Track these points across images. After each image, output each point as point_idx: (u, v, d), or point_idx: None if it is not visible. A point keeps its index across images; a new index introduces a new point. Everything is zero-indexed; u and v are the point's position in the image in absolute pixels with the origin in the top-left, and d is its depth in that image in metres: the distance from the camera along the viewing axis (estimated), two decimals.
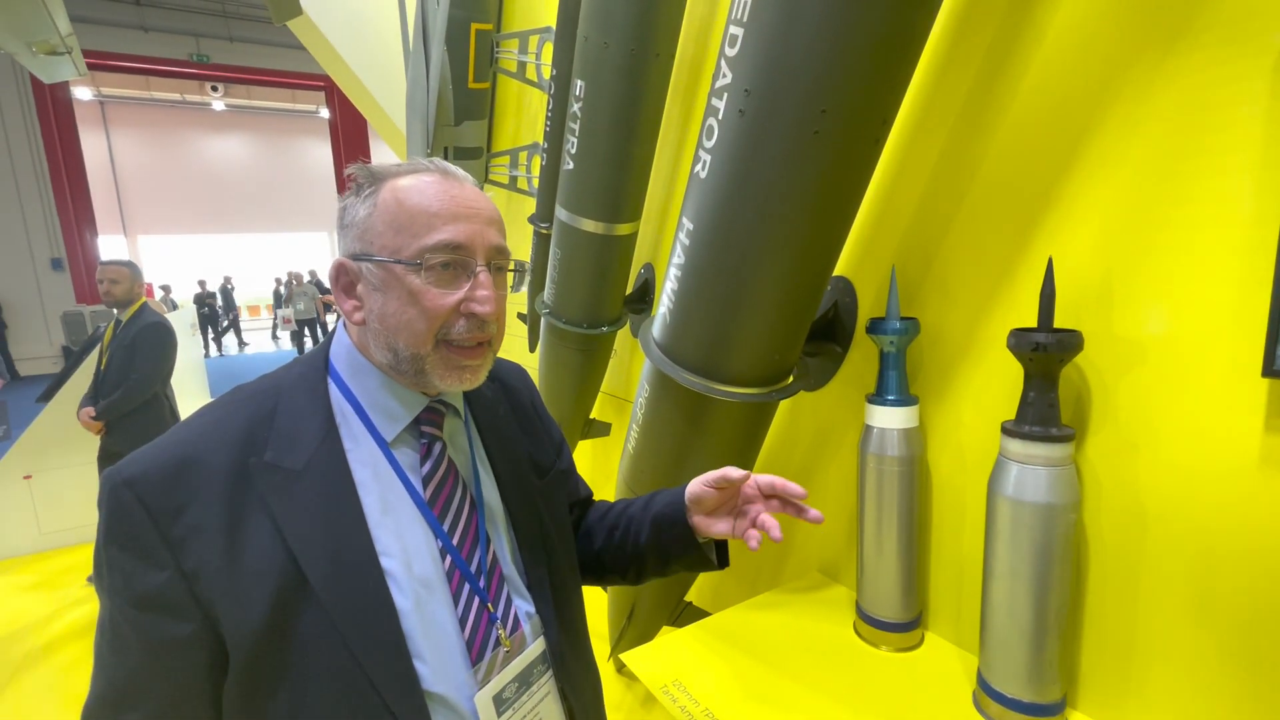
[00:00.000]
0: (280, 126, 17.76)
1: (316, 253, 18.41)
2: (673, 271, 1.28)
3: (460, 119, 2.95)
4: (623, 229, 1.99)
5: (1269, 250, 0.83)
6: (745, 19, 1.00)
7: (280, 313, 13.39)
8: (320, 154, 17.54)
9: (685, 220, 1.22)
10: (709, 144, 1.12)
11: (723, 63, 1.07)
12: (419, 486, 0.72)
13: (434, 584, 0.69)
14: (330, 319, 12.89)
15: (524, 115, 3.33)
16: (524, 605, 0.76)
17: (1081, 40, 1.03)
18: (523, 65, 2.97)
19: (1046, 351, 1.02)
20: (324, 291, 12.26)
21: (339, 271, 0.72)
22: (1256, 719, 0.91)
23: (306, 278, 12.88)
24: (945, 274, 1.27)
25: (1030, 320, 1.08)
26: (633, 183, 1.93)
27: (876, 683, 1.24)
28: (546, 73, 2.81)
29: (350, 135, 14.44)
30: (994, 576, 1.12)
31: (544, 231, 2.52)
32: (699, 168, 1.16)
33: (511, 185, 3.23)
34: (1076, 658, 1.13)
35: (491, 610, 0.71)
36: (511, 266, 0.76)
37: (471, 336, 0.71)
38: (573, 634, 0.81)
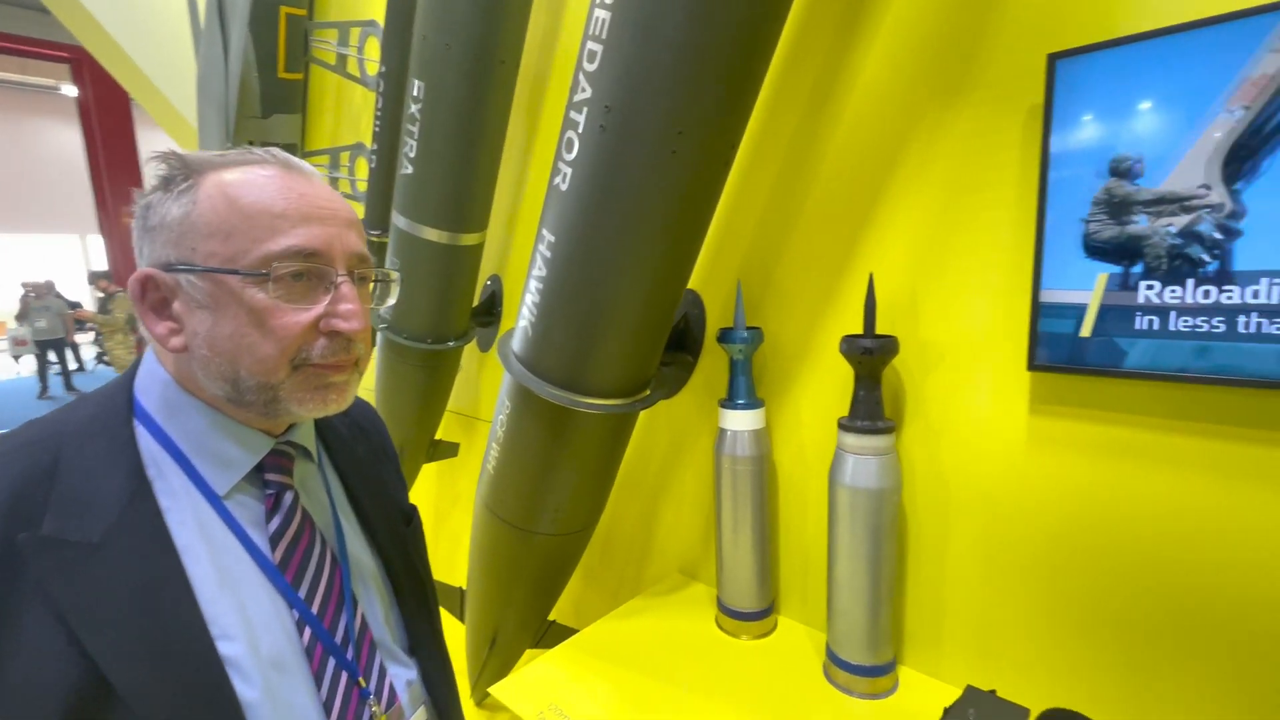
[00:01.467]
0: (8, 104, 14.36)
1: (64, 259, 15.13)
2: (533, 284, 1.25)
3: (269, 111, 2.63)
4: (469, 239, 1.91)
5: (1026, 268, 1.03)
6: (605, 36, 1.02)
7: (12, 331, 10.62)
8: (66, 139, 14.44)
9: (545, 232, 1.20)
10: (569, 157, 1.12)
11: (581, 76, 1.08)
12: (265, 547, 0.60)
13: (289, 664, 0.58)
14: (85, 338, 10.63)
15: (344, 112, 3.05)
16: (402, 672, 0.68)
17: (885, 90, 1.20)
18: (343, 58, 2.73)
19: (873, 355, 1.16)
20: (72, 306, 10.01)
21: (145, 286, 0.58)
22: (1037, 647, 1.11)
23: (54, 289, 10.38)
24: (783, 287, 1.40)
25: (854, 327, 1.23)
26: (479, 191, 1.86)
27: (740, 670, 1.32)
28: (371, 69, 2.61)
29: (107, 118, 11.99)
30: (838, 558, 1.24)
31: (374, 239, 2.33)
32: (559, 180, 1.15)
33: (332, 187, 2.94)
34: (902, 620, 1.29)
35: (363, 685, 0.62)
36: (375, 276, 0.67)
37: (336, 358, 0.61)
38: (454, 692, 0.75)
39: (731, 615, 1.45)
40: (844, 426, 1.21)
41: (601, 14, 1.03)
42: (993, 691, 0.99)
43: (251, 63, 2.45)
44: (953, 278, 1.15)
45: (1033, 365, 1.03)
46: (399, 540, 0.73)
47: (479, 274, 2.08)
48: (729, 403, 1.41)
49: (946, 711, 0.95)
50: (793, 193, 1.35)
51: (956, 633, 1.22)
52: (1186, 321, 0.89)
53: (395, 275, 0.68)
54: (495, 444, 1.47)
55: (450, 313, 2.01)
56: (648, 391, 1.40)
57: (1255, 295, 0.83)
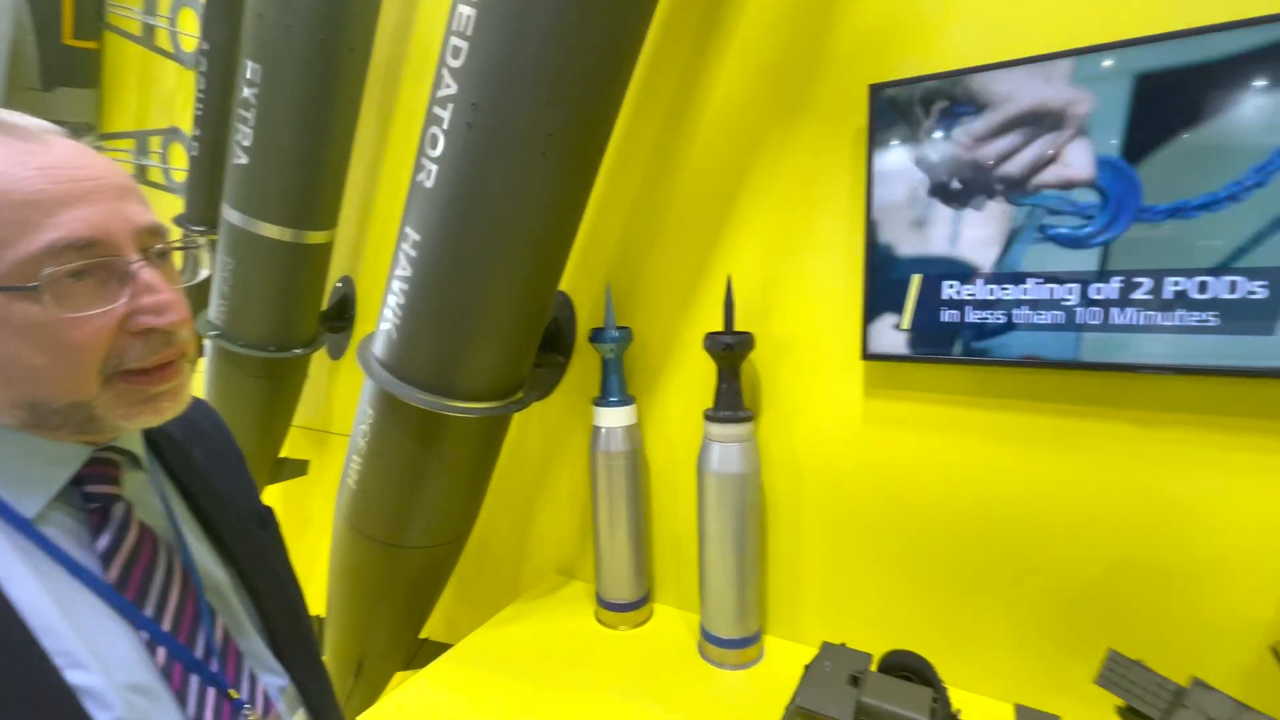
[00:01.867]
0: None
1: None
2: (397, 285, 1.19)
3: (51, 83, 2.23)
4: (316, 237, 1.76)
5: (858, 269, 1.18)
6: (470, 33, 1.01)
7: None
8: None
9: (410, 231, 1.15)
10: (434, 153, 1.09)
11: (445, 72, 1.06)
12: (96, 568, 0.53)
13: (147, 687, 0.51)
14: None
15: (153, 91, 2.67)
16: (274, 680, 0.63)
17: (736, 105, 1.31)
18: (150, 29, 2.39)
19: (733, 350, 1.26)
20: None
21: None
22: (879, 600, 1.27)
23: None
24: (650, 288, 1.46)
25: (715, 325, 1.32)
26: (326, 186, 1.73)
27: (620, 659, 1.36)
28: (188, 44, 2.32)
29: None
30: (708, 540, 1.33)
31: (198, 235, 2.06)
32: (423, 176, 1.12)
33: (139, 176, 2.56)
34: (766, 593, 1.41)
35: (235, 696, 0.57)
36: (179, 244, 0.56)
37: (158, 356, 0.52)
38: (331, 698, 0.70)
39: (609, 608, 1.48)
40: (709, 417, 1.29)
41: (466, 10, 1.01)
42: (843, 644, 1.12)
43: (27, 25, 2.06)
44: (799, 279, 1.28)
45: (865, 355, 1.18)
46: (253, 547, 0.67)
47: (328, 275, 1.92)
48: (602, 401, 1.45)
49: (807, 668, 1.06)
50: (656, 198, 1.42)
51: (812, 598, 1.36)
52: (979, 314, 1.07)
53: (202, 240, 0.60)
54: (357, 456, 1.38)
55: (295, 317, 1.85)
56: (521, 394, 1.40)
57: (1025, 292, 1.02)
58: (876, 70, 1.14)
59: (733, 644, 1.33)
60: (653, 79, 1.39)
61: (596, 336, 1.43)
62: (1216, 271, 0.90)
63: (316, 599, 2.24)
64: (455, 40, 1.03)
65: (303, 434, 2.33)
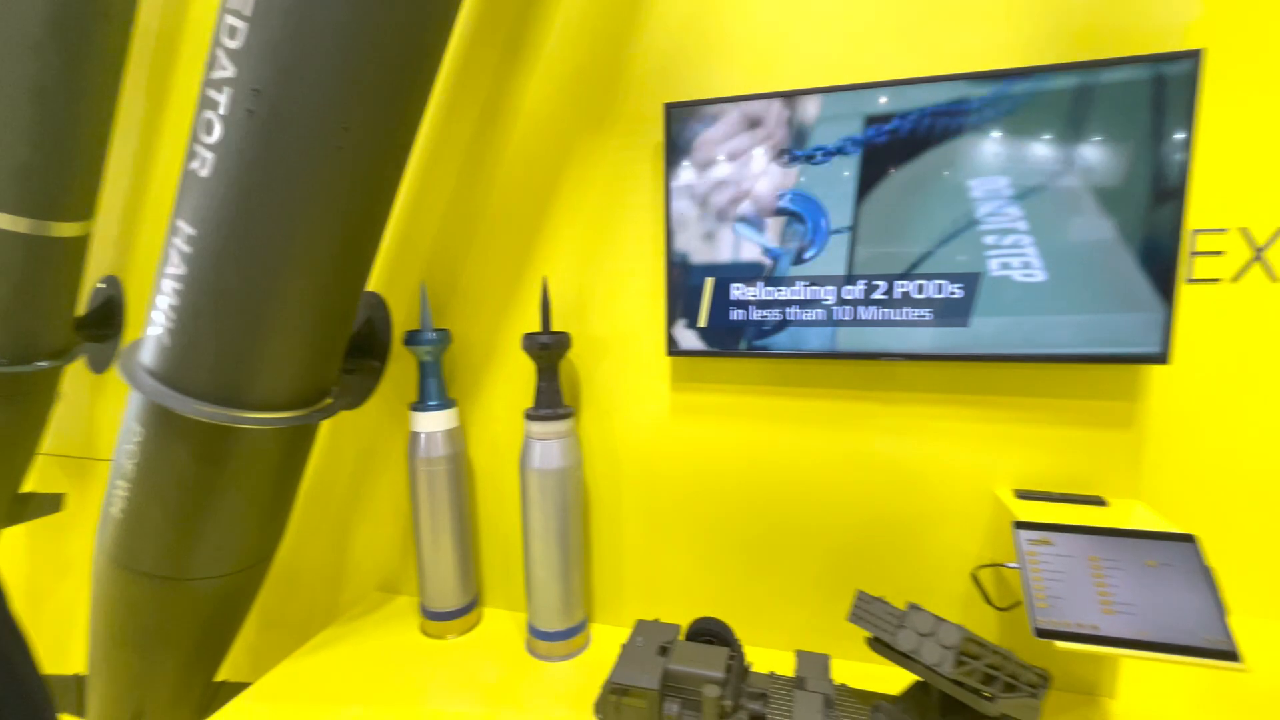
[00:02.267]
0: None
1: None
2: (169, 285, 1.07)
3: None
4: (65, 229, 1.51)
5: (661, 273, 1.28)
6: (249, 14, 0.94)
7: None
8: None
9: (183, 224, 1.04)
10: (210, 140, 0.99)
11: (221, 53, 0.97)
12: None
13: None
14: None
15: None
16: None
17: (549, 111, 1.35)
18: None
19: (550, 350, 1.30)
20: None
21: None
22: (688, 576, 1.38)
23: None
24: (469, 289, 1.45)
25: (534, 326, 1.35)
26: (78, 171, 1.49)
27: (448, 668, 1.33)
28: None
29: None
30: (532, 537, 1.35)
31: None
32: (197, 165, 1.01)
33: None
34: (591, 583, 1.47)
35: None
36: None
37: None
38: None
39: (434, 618, 1.45)
40: (529, 416, 1.32)
41: None
42: (657, 620, 1.21)
43: None
44: (612, 281, 1.36)
45: (670, 351, 1.28)
46: None
47: (83, 274, 1.65)
48: (420, 405, 1.41)
49: (623, 647, 1.13)
50: (472, 199, 1.42)
51: (633, 580, 1.44)
52: (760, 313, 1.22)
53: None
54: (123, 481, 1.20)
55: (38, 324, 1.56)
56: (329, 400, 1.31)
57: (795, 293, 1.19)
58: (672, 90, 1.25)
59: (559, 636, 1.37)
60: (464, 79, 1.39)
61: (412, 339, 1.39)
62: (933, 277, 1.12)
63: (81, 657, 1.92)
64: (231, 19, 0.95)
65: (55, 463, 1.96)
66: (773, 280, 1.20)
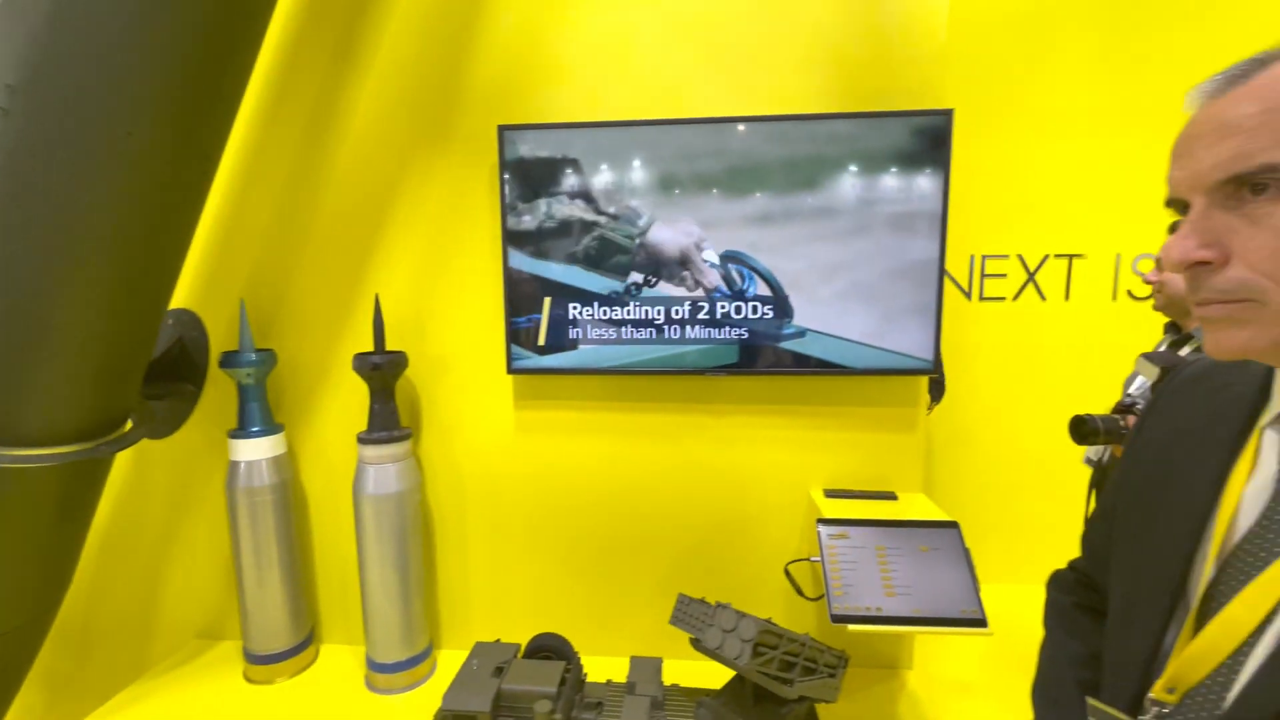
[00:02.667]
0: None
1: None
2: None
3: None
4: None
5: (500, 290, 1.29)
6: None
7: None
8: None
9: None
10: None
11: None
12: None
13: None
14: None
15: None
16: None
17: (382, 128, 1.31)
18: None
19: (383, 370, 1.26)
20: None
21: None
22: (534, 592, 1.39)
23: None
24: (297, 307, 1.37)
25: (369, 345, 1.31)
26: None
27: (275, 715, 1.24)
28: None
29: None
30: (368, 566, 1.30)
31: None
32: None
33: None
34: (436, 607, 1.43)
35: None
36: None
37: None
38: None
39: (260, 661, 1.34)
40: (362, 440, 1.27)
41: None
42: (498, 640, 1.20)
43: None
44: (451, 299, 1.34)
45: (510, 370, 1.29)
46: None
47: None
48: (240, 432, 1.31)
49: (459, 670, 1.11)
50: (300, 212, 1.34)
51: (480, 603, 1.42)
52: (597, 331, 1.26)
53: None
54: None
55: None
56: (124, 429, 1.18)
57: (629, 313, 1.25)
58: (507, 113, 1.27)
59: (400, 666, 1.32)
60: (289, 86, 1.31)
61: (229, 361, 1.29)
62: (750, 300, 1.22)
63: None
64: None
65: None
66: (608, 301, 1.25)
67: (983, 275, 2.80)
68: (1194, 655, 0.52)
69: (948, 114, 1.14)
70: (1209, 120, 0.48)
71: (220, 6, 0.96)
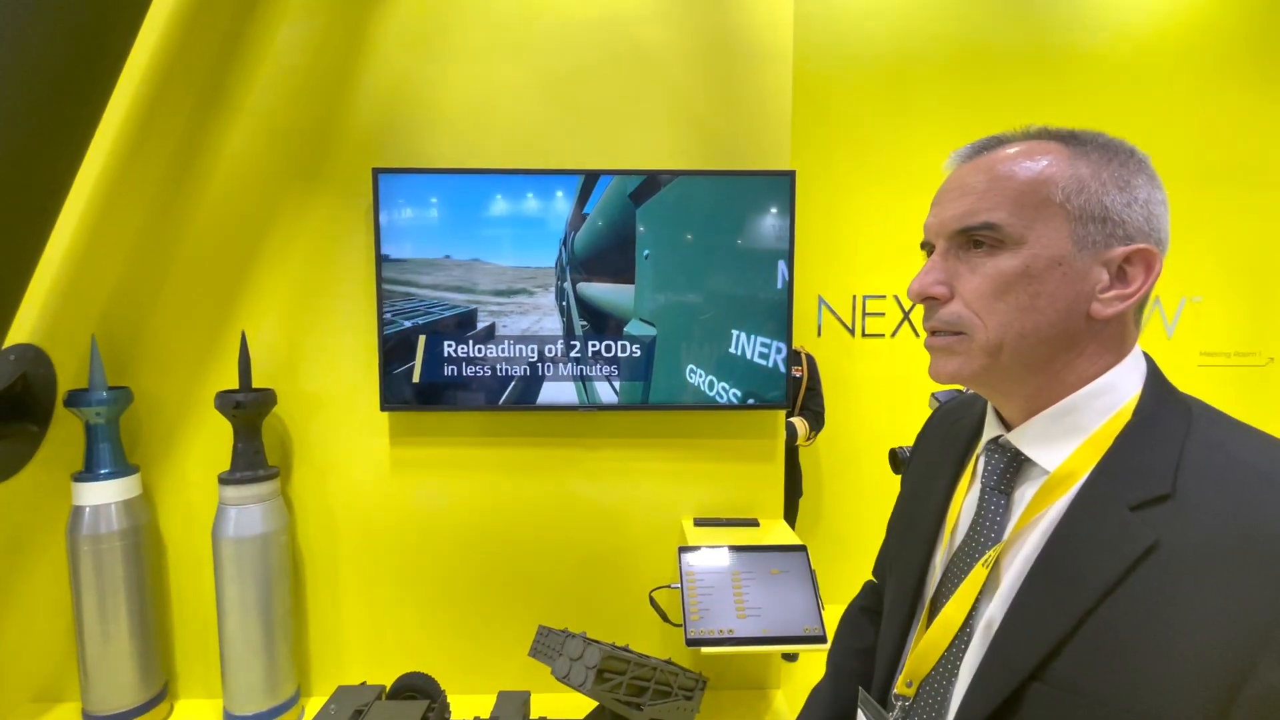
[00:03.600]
0: None
1: None
2: None
3: None
4: None
5: (374, 328, 1.29)
6: None
7: None
8: None
9: None
10: None
11: None
12: None
13: None
14: None
15: None
16: None
17: (252, 164, 1.31)
18: None
19: (246, 409, 1.23)
20: None
21: None
22: (405, 631, 1.37)
23: None
24: (156, 343, 1.32)
25: (235, 383, 1.28)
26: None
27: None
28: None
29: None
30: (227, 613, 1.24)
31: None
32: None
33: None
34: (306, 651, 1.38)
35: None
36: None
37: None
38: None
39: None
40: (223, 480, 1.23)
41: None
42: (363, 682, 1.18)
43: None
44: (323, 336, 1.34)
45: (384, 406, 1.30)
46: None
47: None
48: (88, 475, 1.24)
49: (315, 717, 1.08)
50: (160, 247, 1.31)
51: (355, 643, 1.39)
52: (472, 369, 1.29)
53: None
54: None
55: None
56: None
57: (504, 350, 1.28)
58: (380, 157, 1.29)
59: (262, 716, 1.26)
60: (153, 119, 1.29)
61: (75, 400, 1.23)
62: (619, 338, 1.29)
63: None
64: None
65: None
66: (482, 338, 1.28)
67: (864, 314, 3.04)
68: (922, 651, 0.59)
69: (790, 174, 1.27)
70: (956, 181, 0.57)
71: (76, 27, 0.94)
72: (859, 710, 0.67)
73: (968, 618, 0.56)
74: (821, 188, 3.00)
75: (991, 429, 0.61)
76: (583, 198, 1.26)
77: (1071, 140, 0.55)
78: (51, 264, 1.24)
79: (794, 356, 2.52)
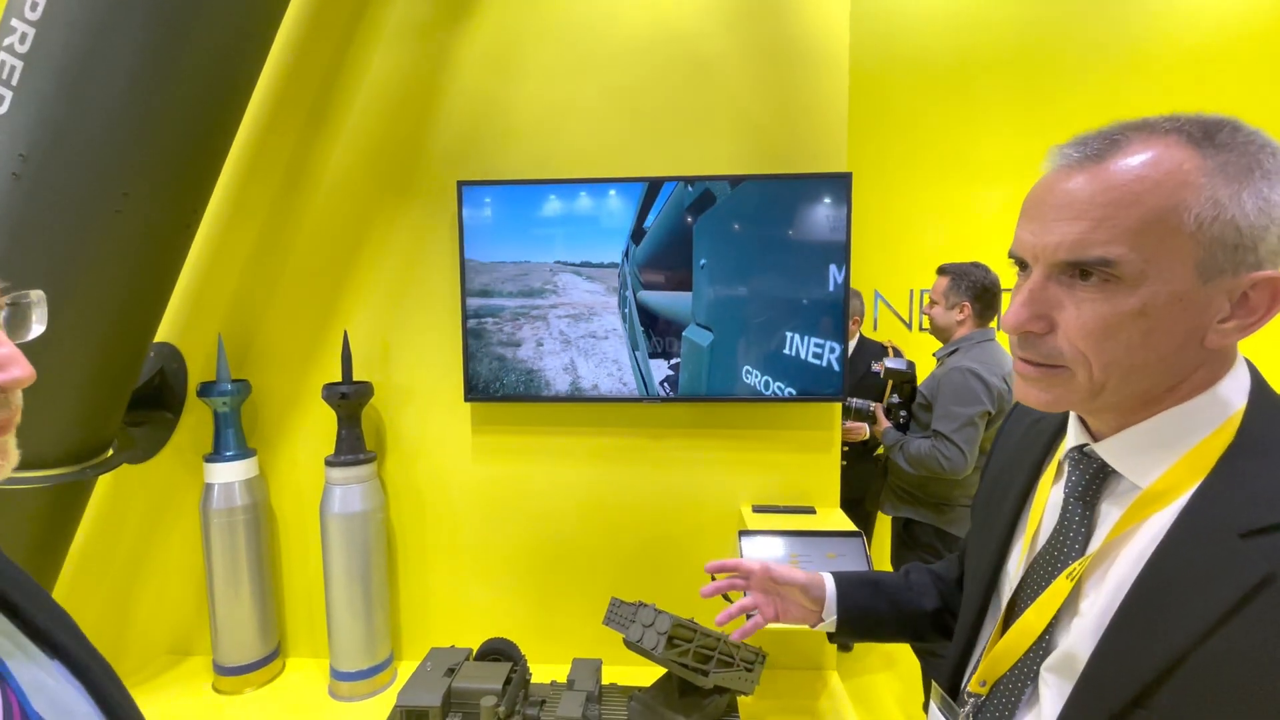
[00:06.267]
0: None
1: None
2: None
3: None
4: None
5: (458, 326, 1.42)
6: (14, 84, 0.97)
7: None
8: None
9: None
10: None
11: None
12: None
13: None
14: None
15: None
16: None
17: (351, 178, 1.46)
18: None
19: (350, 399, 1.38)
20: None
21: None
22: (488, 602, 1.50)
23: None
24: (269, 341, 1.49)
25: (337, 376, 1.43)
26: None
27: None
28: None
29: None
30: (332, 580, 1.40)
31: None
32: None
33: None
34: (399, 618, 1.53)
35: None
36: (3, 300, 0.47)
37: None
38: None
39: (228, 673, 1.43)
40: (329, 463, 1.39)
41: (10, 60, 0.97)
42: (452, 645, 1.31)
43: None
44: (414, 333, 1.48)
45: (468, 397, 1.42)
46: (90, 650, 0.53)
47: None
48: (216, 456, 1.42)
49: (414, 672, 1.22)
50: (273, 255, 1.47)
51: (440, 612, 1.53)
52: (543, 364, 1.40)
53: (36, 295, 0.49)
54: None
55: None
56: (108, 454, 1.29)
57: (570, 349, 1.39)
58: (463, 170, 1.42)
59: (363, 675, 1.41)
60: (267, 142, 1.45)
61: (206, 390, 1.40)
62: (675, 340, 1.37)
63: None
64: None
65: None
66: (553, 336, 1.39)
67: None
68: (999, 654, 0.59)
69: (846, 176, 1.32)
70: (1063, 195, 0.49)
71: (209, 85, 1.10)
72: (929, 701, 0.69)
73: (1048, 628, 0.55)
74: (880, 184, 3.01)
75: (1076, 435, 0.58)
76: (644, 208, 1.35)
77: (1206, 142, 0.46)
78: (185, 272, 1.41)
79: (876, 352, 2.53)
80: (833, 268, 1.33)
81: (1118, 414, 0.53)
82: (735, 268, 1.35)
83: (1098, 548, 0.53)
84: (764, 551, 1.25)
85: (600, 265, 1.37)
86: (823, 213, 1.33)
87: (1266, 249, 0.45)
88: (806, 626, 0.86)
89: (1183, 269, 0.46)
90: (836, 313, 1.34)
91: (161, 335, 1.50)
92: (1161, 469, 0.50)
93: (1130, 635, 0.48)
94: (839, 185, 1.32)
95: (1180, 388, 0.50)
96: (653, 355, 1.38)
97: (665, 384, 1.39)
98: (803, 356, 1.36)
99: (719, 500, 1.46)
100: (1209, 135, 0.46)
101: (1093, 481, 0.56)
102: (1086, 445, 0.56)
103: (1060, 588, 0.54)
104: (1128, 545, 0.51)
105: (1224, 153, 0.45)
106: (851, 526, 1.32)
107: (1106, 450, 0.54)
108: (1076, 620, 0.53)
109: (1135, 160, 0.46)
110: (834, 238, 1.33)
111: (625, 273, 1.37)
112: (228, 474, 1.41)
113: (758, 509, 1.43)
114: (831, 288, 1.34)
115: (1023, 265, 0.53)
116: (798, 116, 1.37)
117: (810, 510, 1.42)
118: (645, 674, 1.28)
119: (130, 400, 1.33)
